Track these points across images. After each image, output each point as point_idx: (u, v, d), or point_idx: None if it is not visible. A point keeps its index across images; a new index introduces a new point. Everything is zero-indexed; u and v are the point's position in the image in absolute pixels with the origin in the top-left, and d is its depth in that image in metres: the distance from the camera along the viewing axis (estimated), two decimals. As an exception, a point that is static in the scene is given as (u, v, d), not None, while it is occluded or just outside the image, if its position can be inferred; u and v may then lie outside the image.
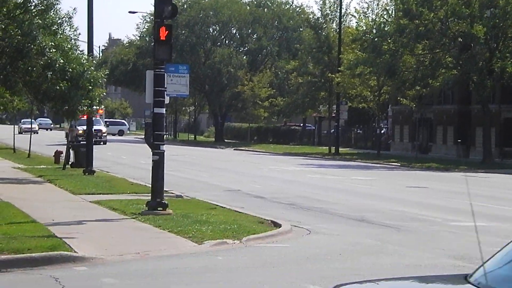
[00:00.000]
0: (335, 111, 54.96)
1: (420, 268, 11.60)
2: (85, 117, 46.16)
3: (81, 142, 42.71)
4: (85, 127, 42.67)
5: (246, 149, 59.85)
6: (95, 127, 47.41)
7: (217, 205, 18.93)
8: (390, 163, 42.80)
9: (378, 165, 42.10)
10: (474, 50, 43.25)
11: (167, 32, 16.59)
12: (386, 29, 46.40)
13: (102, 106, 52.25)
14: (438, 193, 24.37)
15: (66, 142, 36.03)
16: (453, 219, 17.53)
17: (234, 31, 76.14)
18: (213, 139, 76.73)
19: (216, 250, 13.02)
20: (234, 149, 60.21)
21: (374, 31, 47.41)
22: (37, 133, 78.90)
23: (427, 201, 21.65)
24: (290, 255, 12.68)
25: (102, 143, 56.71)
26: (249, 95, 65.99)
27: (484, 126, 44.12)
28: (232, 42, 76.44)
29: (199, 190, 23.64)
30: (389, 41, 44.46)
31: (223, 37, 76.57)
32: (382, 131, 62.01)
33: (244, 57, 74.16)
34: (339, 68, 51.69)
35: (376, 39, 45.90)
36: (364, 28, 49.10)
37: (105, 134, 59.00)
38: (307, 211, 18.97)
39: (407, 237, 14.87)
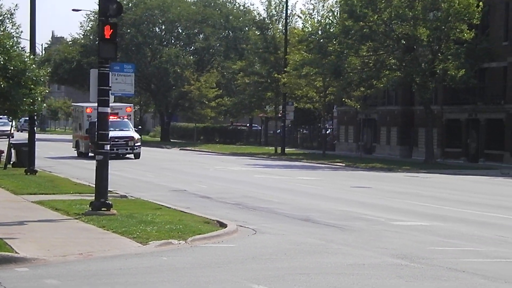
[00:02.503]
0: (281, 111, 55.25)
1: (363, 267, 11.75)
2: (111, 117, 40.39)
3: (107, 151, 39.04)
4: (110, 134, 37.24)
5: (193, 149, 59.65)
6: (121, 133, 39.48)
7: (162, 205, 18.81)
8: (335, 163, 43.26)
9: (323, 165, 42.50)
10: (417, 52, 44.06)
11: (111, 30, 16.43)
12: (331, 30, 46.86)
13: (131, 104, 46.13)
14: (381, 193, 24.74)
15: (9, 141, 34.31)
16: (396, 218, 17.82)
17: (181, 31, 75.78)
18: (159, 138, 76.23)
19: (161, 250, 12.94)
20: (180, 149, 59.91)
21: (320, 32, 47.84)
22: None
23: (371, 201, 21.96)
24: (236, 255, 12.69)
25: (133, 155, 40.37)
26: (196, 95, 65.78)
27: (426, 127, 44.99)
28: (179, 42, 76.07)
29: (144, 190, 23.45)
30: (335, 42, 44.92)
31: (170, 36, 76.13)
32: (327, 132, 62.60)
33: (191, 57, 73.88)
34: (285, 69, 51.97)
35: (321, 40, 46.32)
36: (310, 29, 49.49)
37: (138, 144, 40.33)
38: (253, 211, 19.01)
39: (351, 237, 15.05)
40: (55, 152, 46.96)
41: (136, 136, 40.76)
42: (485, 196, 24.62)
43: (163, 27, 75.37)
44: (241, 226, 16.00)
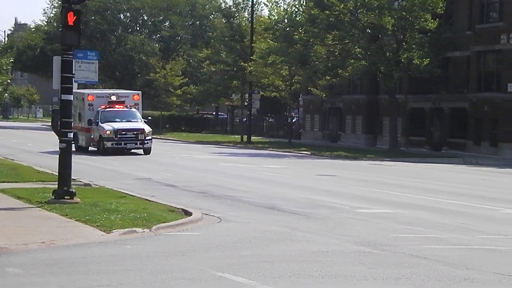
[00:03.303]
0: (247, 100, 55.21)
1: (327, 254, 11.84)
2: (117, 106, 35.03)
3: (112, 146, 33.22)
4: (117, 126, 33.35)
5: (158, 137, 59.24)
6: (129, 125, 34.35)
7: (127, 193, 18.70)
8: (301, 152, 43.43)
9: (289, 153, 42.63)
10: (382, 41, 44.35)
11: (75, 17, 16.23)
12: (297, 19, 46.91)
13: (139, 92, 38.22)
14: (346, 181, 24.92)
15: None
16: (360, 206, 17.97)
17: (146, 18, 75.13)
18: (124, 127, 75.56)
19: (125, 239, 12.87)
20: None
21: (286, 20, 47.86)
22: None
23: (336, 189, 22.11)
24: (200, 243, 12.68)
25: (143, 150, 34.69)
26: (162, 83, 65.38)
27: (391, 115, 45.38)
28: (144, 29, 75.42)
29: (108, 179, 23.27)
30: (301, 31, 44.97)
31: (135, 24, 75.43)
32: (293, 120, 62.78)
33: (157, 45, 73.34)
34: (251, 57, 51.91)
35: (288, 28, 46.36)
36: (276, 18, 49.47)
37: (149, 138, 34.53)
38: (219, 199, 19.01)
39: (315, 224, 15.14)
40: (37, 144, 41.42)
41: (147, 128, 34.36)
42: (448, 184, 24.95)
43: (128, 14, 74.66)
44: (206, 214, 15.99)
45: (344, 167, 32.43)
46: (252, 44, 52.53)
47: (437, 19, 43.08)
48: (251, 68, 51.56)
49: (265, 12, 56.88)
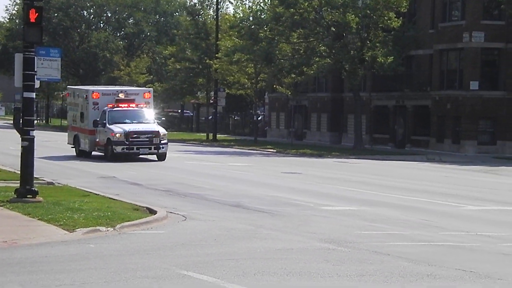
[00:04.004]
0: (213, 97, 55.11)
1: (292, 252, 11.88)
2: (126, 105, 30.50)
3: (123, 151, 29.04)
4: (128, 128, 29.32)
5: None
6: (141, 127, 29.93)
7: (90, 192, 18.53)
8: (267, 150, 43.51)
9: (255, 151, 42.68)
10: (346, 40, 44.63)
11: (37, 14, 16.03)
12: (262, 16, 46.93)
13: (150, 89, 34.27)
14: (311, 179, 25.04)
15: None
16: (325, 203, 18.07)
17: (110, 15, 74.48)
18: (89, 125, 74.84)
19: (89, 237, 12.76)
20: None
21: (251, 18, 47.85)
22: None
23: (301, 187, 22.19)
24: (165, 242, 12.63)
25: (157, 157, 30.47)
26: (126, 80, 64.87)
27: (355, 113, 45.72)
28: (108, 26, 74.75)
29: (72, 177, 23.03)
30: (266, 28, 45.01)
31: (98, 20, 74.73)
32: (259, 118, 62.78)
33: (121, 42, 72.75)
34: (216, 55, 51.81)
35: (253, 26, 46.34)
36: (241, 15, 49.43)
37: (165, 142, 30.20)
38: (184, 198, 18.95)
39: (280, 222, 15.18)
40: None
41: (162, 130, 30.14)
42: (411, 181, 25.23)
43: (92, 11, 73.92)
44: (171, 212, 15.93)
45: (309, 164, 32.58)
46: (217, 42, 52.42)
47: (401, 18, 43.49)
48: (217, 65, 51.46)
49: (230, 10, 56.89)
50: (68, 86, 41.31)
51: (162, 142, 29.88)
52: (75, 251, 11.50)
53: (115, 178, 23.49)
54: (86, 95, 32.08)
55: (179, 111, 76.30)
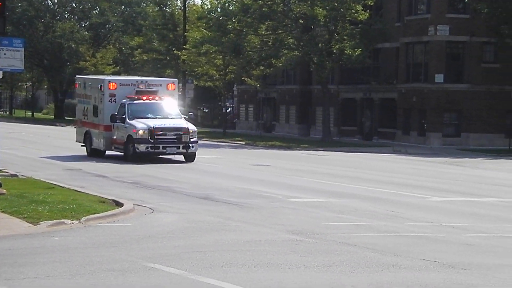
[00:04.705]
0: (181, 89, 54.83)
1: (260, 244, 11.89)
2: (147, 98, 26.58)
3: (147, 150, 25.23)
4: (153, 124, 25.56)
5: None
6: (167, 122, 26.35)
7: (55, 184, 18.32)
8: (236, 142, 43.46)
9: (224, 143, 42.61)
10: (314, 32, 44.73)
11: (0, 4, 15.74)
12: (230, 8, 46.77)
13: (175, 80, 30.02)
14: (280, 171, 25.07)
15: None
16: (294, 195, 18.11)
17: (75, 5, 73.57)
18: (53, 116, 74.07)
19: (53, 230, 12.61)
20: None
21: (219, 9, 47.67)
22: None
23: (269, 179, 22.21)
24: (131, 234, 12.54)
25: (185, 157, 26.71)
26: (92, 71, 64.21)
27: (323, 106, 45.89)
28: (73, 16, 73.84)
29: (36, 169, 22.74)
30: (234, 20, 44.89)
31: (63, 10, 73.76)
32: (228, 110, 62.70)
33: (86, 32, 71.95)
34: (184, 46, 51.55)
35: (221, 18, 46.17)
36: (209, 7, 49.23)
37: (195, 140, 26.58)
38: (151, 190, 18.84)
39: (249, 214, 15.18)
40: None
41: (192, 127, 26.69)
42: (378, 172, 25.42)
43: (56, 1, 72.96)
44: (138, 205, 15.82)
45: (278, 157, 32.63)
46: (185, 33, 52.14)
47: (368, 11, 43.71)
48: (185, 57, 51.20)
49: (198, 0, 56.56)
50: (77, 76, 35.13)
51: (191, 140, 26.14)
52: (39, 244, 11.36)
53: (81, 170, 23.26)
54: (101, 86, 27.95)
55: (147, 103, 75.75)
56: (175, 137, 26.03)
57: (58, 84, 71.93)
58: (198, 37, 48.33)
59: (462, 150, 39.35)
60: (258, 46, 46.23)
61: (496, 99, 41.72)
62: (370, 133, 46.72)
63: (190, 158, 26.50)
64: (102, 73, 64.24)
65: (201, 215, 14.81)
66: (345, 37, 43.66)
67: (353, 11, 43.00)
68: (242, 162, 28.84)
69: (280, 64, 46.23)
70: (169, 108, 27.41)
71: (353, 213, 15.50)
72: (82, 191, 17.41)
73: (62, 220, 13.21)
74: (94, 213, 14.07)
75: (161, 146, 25.96)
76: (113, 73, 64.61)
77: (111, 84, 27.79)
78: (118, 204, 15.53)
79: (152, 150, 25.96)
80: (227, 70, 50.98)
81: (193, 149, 26.30)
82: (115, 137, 27.00)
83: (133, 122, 26.07)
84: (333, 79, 48.27)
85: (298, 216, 14.90)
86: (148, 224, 13.67)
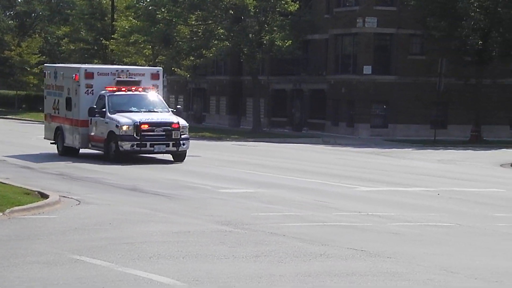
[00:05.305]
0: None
1: (189, 235, 11.83)
2: (128, 89, 23.88)
3: (132, 148, 22.55)
4: (138, 118, 22.88)
5: (14, 117, 56.93)
6: (154, 117, 23.58)
7: (-22, 176, 17.75)
8: (165, 132, 43.07)
9: (153, 134, 42.16)
10: (244, 23, 44.76)
11: None
12: (160, -3, 46.28)
13: (159, 69, 26.96)
14: (210, 162, 25.01)
15: None
16: (223, 186, 18.10)
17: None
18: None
19: (-24, 224, 12.22)
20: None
21: (148, -1, 47.15)
22: None
23: (199, 170, 22.12)
24: (57, 226, 12.28)
25: (174, 156, 23.89)
26: (17, 61, 62.49)
27: (254, 96, 46.03)
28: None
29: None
30: (163, 10, 44.44)
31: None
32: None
33: (11, 21, 69.90)
34: (113, 36, 50.76)
35: (150, 7, 45.65)
36: (138, -4, 48.61)
37: (186, 136, 23.81)
38: (78, 181, 18.50)
39: (178, 205, 15.09)
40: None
41: (182, 122, 23.76)
42: (308, 163, 25.69)
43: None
44: (64, 197, 15.51)
45: (208, 147, 32.55)
46: (113, 23, 51.33)
47: (297, 2, 44.02)
48: (113, 46, 50.42)
49: (127, -10, 55.64)
50: (46, 65, 30.93)
51: (182, 137, 23.34)
52: (-39, 238, 10.99)
53: (5, 162, 22.62)
54: (76, 75, 24.74)
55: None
56: (164, 133, 23.13)
57: (-19, 74, 69.66)
58: (126, 27, 47.66)
59: (390, 140, 40.19)
60: (188, 37, 45.92)
61: (422, 91, 42.73)
62: (300, 124, 47.16)
63: (180, 157, 23.64)
64: (28, 63, 62.68)
65: (129, 207, 14.64)
66: (275, 28, 43.85)
67: (283, 2, 43.22)
68: (172, 153, 28.60)
69: (211, 55, 46.06)
70: (155, 101, 24.50)
71: (282, 203, 15.61)
72: (7, 182, 16.93)
73: (-16, 213, 12.82)
74: (19, 205, 13.72)
75: (148, 143, 23.04)
76: (38, 63, 63.03)
77: (88, 73, 24.64)
78: (44, 196, 15.20)
79: (138, 148, 23.09)
80: (157, 60, 50.45)
81: (184, 146, 23.43)
82: (93, 133, 23.99)
83: (115, 116, 23.14)
84: (263, 70, 48.44)
85: (228, 207, 14.90)
86: (75, 216, 13.42)
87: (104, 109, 23.62)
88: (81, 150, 24.92)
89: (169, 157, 24.04)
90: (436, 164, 27.29)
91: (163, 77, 25.27)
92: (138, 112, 23.75)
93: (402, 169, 24.61)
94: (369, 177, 21.34)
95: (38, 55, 63.58)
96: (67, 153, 25.04)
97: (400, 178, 21.36)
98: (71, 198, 15.51)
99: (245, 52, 44.27)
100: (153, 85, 24.89)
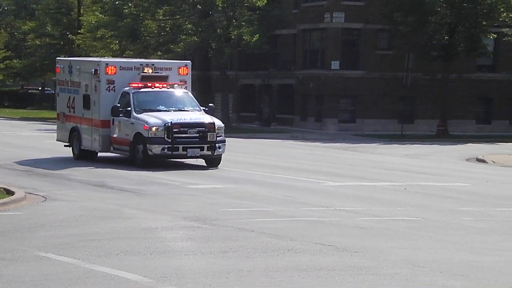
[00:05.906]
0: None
1: (156, 231, 11.78)
2: (156, 85, 21.27)
3: (163, 152, 20.05)
4: (170, 119, 20.41)
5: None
6: (186, 116, 21.12)
7: None
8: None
9: (120, 130, 41.86)
10: (212, 18, 44.63)
11: None
12: (127, -8, 45.93)
13: (188, 62, 24.47)
14: (177, 157, 24.87)
15: None
16: (192, 182, 18.04)
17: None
18: None
19: None
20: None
21: (115, -7, 46.72)
22: None
23: (167, 165, 22.00)
24: (23, 223, 12.14)
25: (207, 162, 21.30)
26: (-18, 56, 61.54)
27: (222, 92, 45.94)
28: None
29: None
30: (130, 5, 44.13)
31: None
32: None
33: (-24, 16, 68.84)
34: (79, 31, 50.25)
35: (117, 2, 45.27)
36: (105, -10, 48.14)
37: (221, 139, 21.17)
38: (44, 178, 18.29)
39: (146, 201, 15.00)
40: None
41: (218, 122, 21.52)
42: (277, 158, 25.73)
43: None
44: (30, 193, 15.35)
45: (175, 143, 32.38)
46: (80, 18, 50.81)
47: (266, -3, 44.03)
48: (80, 41, 49.93)
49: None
50: (59, 58, 27.59)
51: (218, 139, 20.84)
52: None
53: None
54: (96, 70, 21.88)
55: (40, 88, 73.46)
56: (198, 135, 20.61)
57: None
58: (93, 22, 47.23)
59: (357, 135, 40.44)
60: (156, 31, 45.66)
61: (389, 86, 43.07)
62: (269, 119, 47.20)
63: (214, 162, 21.06)
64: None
65: (96, 203, 14.52)
66: (243, 23, 43.79)
67: (251, -3, 43.20)
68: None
69: (179, 50, 45.86)
70: (184, 98, 22.11)
71: (250, 198, 15.62)
72: (-30, 180, 16.69)
73: None
74: (-17, 203, 13.53)
75: (180, 147, 20.50)
76: (4, 58, 62.14)
77: (109, 67, 21.81)
78: (9, 193, 15.00)
79: (170, 152, 20.49)
80: (124, 55, 50.06)
81: (220, 150, 20.86)
82: (115, 135, 21.30)
83: (143, 116, 20.55)
84: (232, 65, 48.37)
85: (196, 203, 14.86)
86: (41, 213, 13.28)
87: (129, 108, 20.99)
88: (99, 154, 22.25)
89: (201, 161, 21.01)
90: (403, 158, 27.54)
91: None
92: (167, 111, 21.28)
93: (369, 163, 24.79)
94: (337, 172, 21.45)
95: (4, 50, 62.71)
96: (84, 156, 22.22)
97: (367, 173, 21.50)
98: (37, 194, 15.35)
99: (213, 47, 44.16)
100: (181, 81, 22.63)
